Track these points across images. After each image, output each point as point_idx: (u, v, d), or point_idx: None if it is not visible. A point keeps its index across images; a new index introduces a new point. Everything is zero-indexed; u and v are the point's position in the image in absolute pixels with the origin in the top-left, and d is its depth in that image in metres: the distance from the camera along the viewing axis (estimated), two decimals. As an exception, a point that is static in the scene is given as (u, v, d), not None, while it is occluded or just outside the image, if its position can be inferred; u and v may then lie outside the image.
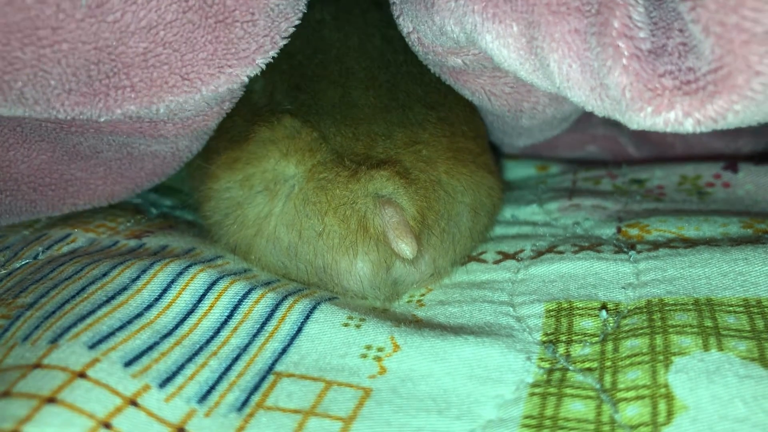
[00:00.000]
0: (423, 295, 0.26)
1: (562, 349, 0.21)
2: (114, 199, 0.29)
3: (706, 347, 0.20)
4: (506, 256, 0.27)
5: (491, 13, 0.21)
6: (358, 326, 0.23)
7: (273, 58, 0.24)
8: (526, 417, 0.19)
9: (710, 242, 0.25)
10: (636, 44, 0.19)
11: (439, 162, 0.26)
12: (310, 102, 0.27)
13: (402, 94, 0.28)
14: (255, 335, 0.22)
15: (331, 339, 0.22)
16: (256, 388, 0.20)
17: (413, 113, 0.27)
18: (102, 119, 0.23)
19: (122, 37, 0.21)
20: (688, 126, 0.18)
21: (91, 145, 0.26)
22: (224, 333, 0.22)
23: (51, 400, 0.18)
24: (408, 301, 0.26)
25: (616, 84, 0.19)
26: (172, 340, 0.21)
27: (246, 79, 0.24)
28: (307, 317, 0.23)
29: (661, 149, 0.38)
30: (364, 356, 0.21)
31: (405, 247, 0.23)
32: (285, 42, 0.24)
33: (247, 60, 0.23)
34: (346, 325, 0.23)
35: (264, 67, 0.24)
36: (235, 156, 0.26)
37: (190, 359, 0.21)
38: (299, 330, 0.22)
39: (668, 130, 0.19)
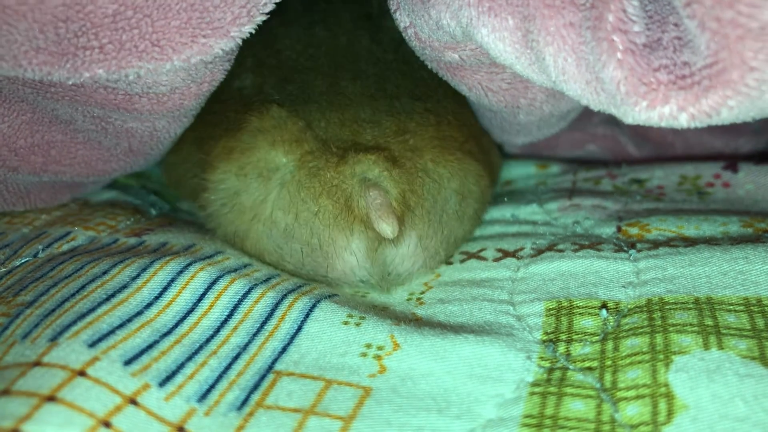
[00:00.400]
0: (423, 293, 0.26)
1: (562, 348, 0.21)
2: (92, 169, 0.29)
3: (706, 346, 0.20)
4: (506, 253, 0.27)
5: (487, 7, 0.21)
6: (358, 324, 0.23)
7: (251, 33, 0.24)
8: (526, 416, 0.19)
9: (710, 241, 0.25)
10: (631, 38, 0.18)
11: (426, 150, 0.27)
12: (298, 92, 0.28)
13: (390, 85, 0.29)
14: (255, 334, 0.22)
15: (331, 337, 0.22)
16: (255, 387, 0.20)
17: (400, 103, 0.28)
18: (70, 81, 0.22)
19: None
20: (683, 120, 0.18)
21: (67, 113, 0.26)
22: (224, 332, 0.22)
23: (51, 398, 0.17)
24: (408, 300, 0.26)
25: (611, 78, 0.19)
26: (172, 338, 0.21)
27: (220, 52, 0.23)
28: (307, 316, 0.23)
29: (661, 149, 0.38)
30: (364, 355, 0.21)
31: (386, 227, 0.24)
32: (263, 18, 0.23)
33: (222, 31, 0.23)
34: (345, 323, 0.23)
35: (239, 41, 0.24)
36: (230, 146, 0.27)
37: (190, 358, 0.21)
38: (299, 329, 0.22)
39: (663, 124, 0.19)
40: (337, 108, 0.28)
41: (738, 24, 0.17)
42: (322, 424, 0.19)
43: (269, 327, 0.22)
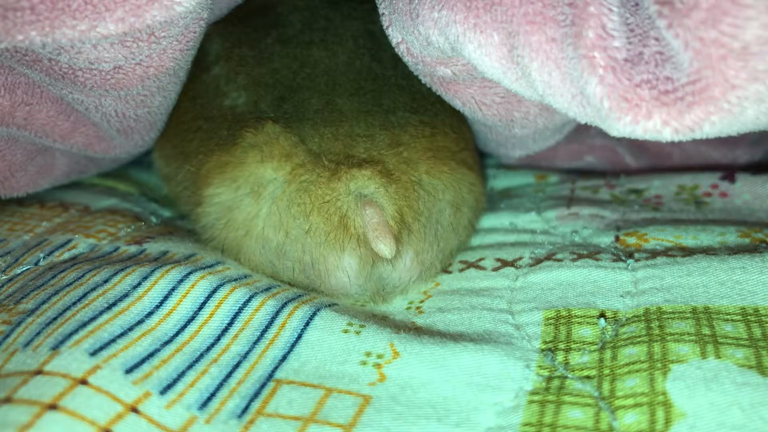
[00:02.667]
0: (422, 302, 0.26)
1: (560, 357, 0.21)
2: (56, 128, 0.28)
3: (703, 355, 0.20)
4: (505, 263, 0.27)
5: (472, 24, 0.22)
6: (357, 333, 0.23)
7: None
8: (525, 424, 0.19)
9: (708, 251, 0.25)
10: (611, 54, 0.19)
11: (420, 162, 0.27)
12: (293, 110, 0.28)
13: (387, 100, 0.29)
14: (255, 342, 0.22)
15: (330, 346, 0.22)
16: (256, 395, 0.20)
17: (395, 117, 0.28)
18: (2, 45, 0.22)
19: None
20: (667, 134, 0.19)
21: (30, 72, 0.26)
22: (225, 340, 0.22)
23: (52, 406, 0.18)
24: (407, 308, 0.26)
25: (593, 94, 0.19)
26: (172, 347, 0.21)
27: (154, 22, 0.23)
28: (307, 324, 0.23)
29: (659, 159, 0.38)
30: (364, 363, 0.22)
31: (384, 247, 0.24)
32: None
33: None
34: (345, 331, 0.23)
35: (178, 18, 0.23)
36: (224, 161, 0.27)
37: (190, 366, 0.21)
38: (299, 337, 0.23)
39: (647, 137, 0.19)
40: (331, 124, 0.27)
41: (721, 44, 0.17)
42: (322, 432, 0.19)
43: (269, 335, 0.23)
